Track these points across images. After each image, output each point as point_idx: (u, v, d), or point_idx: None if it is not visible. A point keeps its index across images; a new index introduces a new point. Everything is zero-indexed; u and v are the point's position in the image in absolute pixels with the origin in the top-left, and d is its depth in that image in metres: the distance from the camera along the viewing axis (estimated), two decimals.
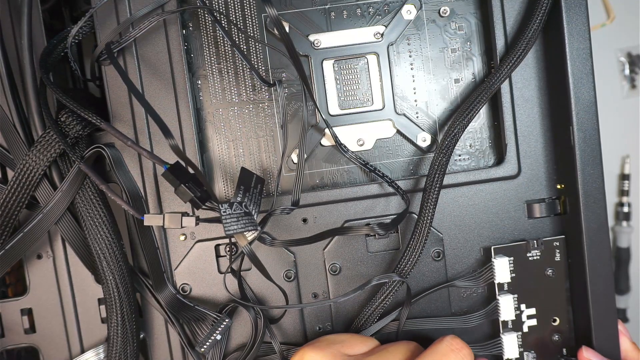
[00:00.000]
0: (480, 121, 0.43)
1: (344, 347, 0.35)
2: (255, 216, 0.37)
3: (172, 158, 0.37)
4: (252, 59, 0.41)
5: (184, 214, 0.35)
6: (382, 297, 0.40)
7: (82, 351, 0.41)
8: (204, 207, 0.36)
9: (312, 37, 0.41)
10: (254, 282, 0.41)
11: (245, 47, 0.41)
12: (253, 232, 0.36)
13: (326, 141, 0.42)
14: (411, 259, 0.39)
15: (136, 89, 0.38)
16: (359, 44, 0.42)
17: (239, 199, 0.36)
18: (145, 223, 0.35)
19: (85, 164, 0.36)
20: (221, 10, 0.41)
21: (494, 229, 0.42)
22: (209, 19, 0.41)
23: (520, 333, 0.42)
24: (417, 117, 0.43)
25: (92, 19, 0.39)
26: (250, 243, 0.36)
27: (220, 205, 0.35)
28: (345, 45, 0.42)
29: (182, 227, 0.34)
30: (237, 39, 0.41)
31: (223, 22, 0.41)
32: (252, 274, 0.41)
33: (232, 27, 0.41)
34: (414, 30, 0.42)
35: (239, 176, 0.38)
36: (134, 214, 0.35)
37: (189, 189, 0.34)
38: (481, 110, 0.43)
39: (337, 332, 0.41)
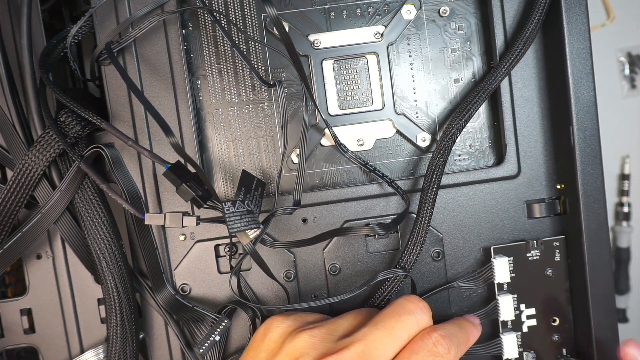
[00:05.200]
0: (480, 121, 0.43)
1: (307, 316, 0.37)
2: (257, 215, 0.37)
3: (172, 158, 0.37)
4: (252, 59, 0.41)
5: (185, 213, 0.35)
6: (382, 296, 0.39)
7: (82, 351, 0.41)
8: (205, 206, 0.36)
9: (311, 37, 0.41)
10: (254, 282, 0.41)
11: (245, 47, 0.41)
12: (256, 230, 0.36)
13: (326, 141, 0.42)
14: (410, 259, 0.39)
15: (136, 86, 0.38)
16: (359, 44, 0.42)
17: (240, 198, 0.36)
18: (147, 222, 0.35)
19: (85, 163, 0.36)
20: (221, 10, 0.41)
21: (494, 229, 0.42)
22: (209, 19, 0.41)
23: (519, 333, 0.42)
24: (416, 117, 0.43)
25: (92, 19, 0.39)
26: (254, 242, 0.37)
27: (223, 204, 0.35)
28: (345, 45, 0.42)
29: (183, 226, 0.34)
30: (237, 40, 0.41)
31: (223, 22, 0.41)
32: (252, 274, 0.41)
33: (232, 27, 0.41)
34: (413, 30, 0.42)
35: (240, 178, 0.38)
36: (135, 213, 0.35)
37: (191, 188, 0.34)
38: (481, 110, 0.43)
39: None
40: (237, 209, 0.36)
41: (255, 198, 0.38)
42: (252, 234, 0.36)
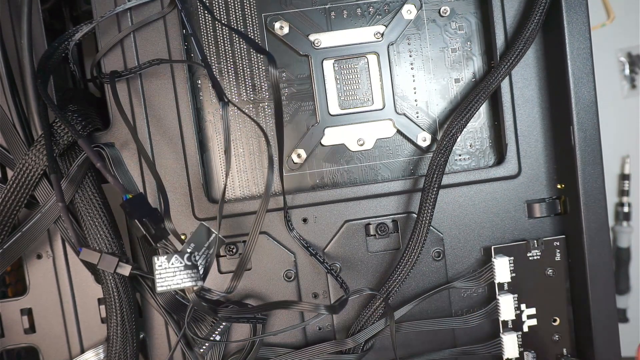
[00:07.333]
0: (480, 121, 0.43)
1: None
2: (200, 270, 0.36)
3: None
4: (252, 59, 0.41)
5: (121, 259, 0.35)
6: (382, 299, 0.39)
7: (82, 351, 0.41)
8: (157, 246, 0.36)
9: (312, 37, 0.41)
10: (254, 281, 0.41)
11: (245, 48, 0.41)
12: (193, 284, 0.35)
13: (326, 141, 0.42)
14: (410, 259, 0.39)
15: (144, 148, 0.38)
16: (359, 43, 0.42)
17: (188, 250, 0.36)
18: (81, 257, 0.35)
19: (84, 141, 0.36)
20: (221, 10, 0.41)
21: (494, 229, 0.42)
22: (210, 19, 0.41)
23: (520, 333, 0.42)
24: (417, 117, 0.43)
25: (92, 16, 0.39)
26: (196, 293, 0.36)
27: (156, 259, 0.35)
28: (346, 45, 0.42)
29: (114, 272, 0.34)
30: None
31: (223, 20, 0.41)
32: (252, 274, 0.41)
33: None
34: (414, 30, 0.42)
35: (193, 232, 0.37)
36: (73, 247, 0.36)
37: (143, 225, 0.34)
38: (481, 110, 0.43)
39: (337, 332, 0.41)
40: (172, 265, 0.35)
41: (207, 256, 0.37)
42: (195, 286, 0.36)
